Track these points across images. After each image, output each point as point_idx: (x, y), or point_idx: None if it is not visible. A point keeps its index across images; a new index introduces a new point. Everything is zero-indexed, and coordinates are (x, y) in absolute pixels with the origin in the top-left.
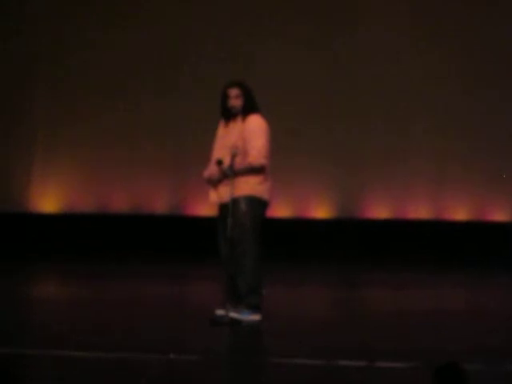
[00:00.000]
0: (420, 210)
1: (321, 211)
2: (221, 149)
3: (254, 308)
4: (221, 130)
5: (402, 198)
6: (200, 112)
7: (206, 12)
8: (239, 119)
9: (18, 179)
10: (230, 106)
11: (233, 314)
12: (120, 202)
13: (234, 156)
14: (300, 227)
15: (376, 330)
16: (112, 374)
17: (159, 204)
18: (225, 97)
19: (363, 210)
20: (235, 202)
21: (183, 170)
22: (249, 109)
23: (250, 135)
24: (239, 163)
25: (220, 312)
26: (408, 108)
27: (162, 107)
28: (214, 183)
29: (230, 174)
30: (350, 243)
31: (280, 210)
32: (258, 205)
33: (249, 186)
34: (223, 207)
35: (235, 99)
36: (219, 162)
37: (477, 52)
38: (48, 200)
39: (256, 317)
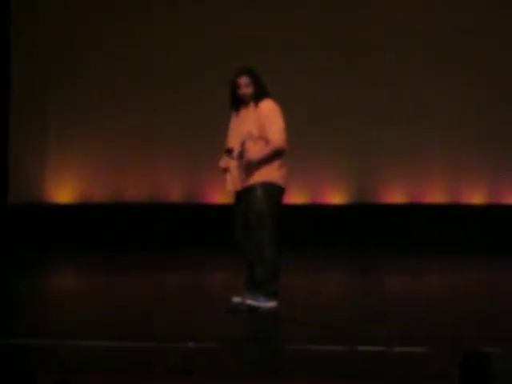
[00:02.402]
0: (436, 195)
1: (337, 197)
2: (235, 138)
3: (271, 295)
4: (233, 120)
5: (418, 183)
6: (215, 100)
7: (219, 12)
8: (251, 106)
9: (33, 170)
10: (241, 94)
11: (249, 301)
12: (135, 191)
13: (243, 144)
14: (316, 213)
15: (394, 315)
16: (131, 363)
17: (175, 192)
18: (234, 86)
19: (379, 195)
20: (251, 188)
21: (198, 158)
22: (260, 95)
23: (266, 120)
24: (259, 151)
25: (237, 299)
26: (423, 92)
27: (176, 97)
28: (230, 172)
29: (240, 161)
30: (367, 229)
31: (295, 196)
32: (274, 191)
33: (264, 173)
34: (239, 194)
35: (246, 87)
36: (228, 151)
37: (493, 39)
38: (63, 190)
39: (273, 303)
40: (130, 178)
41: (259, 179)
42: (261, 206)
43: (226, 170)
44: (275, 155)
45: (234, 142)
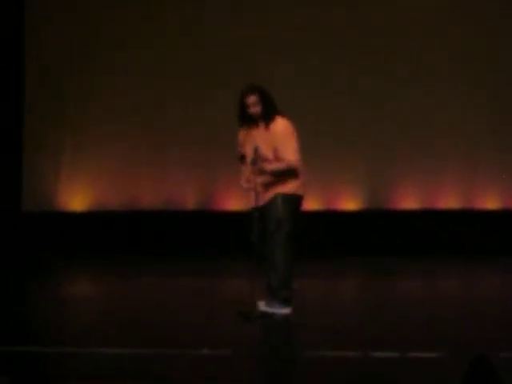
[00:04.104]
0: (450, 200)
1: (350, 203)
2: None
3: (286, 301)
4: (243, 138)
5: (431, 188)
6: (228, 107)
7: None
8: (262, 126)
9: (47, 177)
10: (249, 113)
11: (264, 308)
12: (149, 198)
13: (256, 150)
14: (329, 219)
15: (407, 321)
16: (146, 369)
17: (188, 199)
18: (243, 105)
19: (392, 201)
20: (272, 199)
21: (212, 164)
22: (269, 114)
23: (280, 143)
24: (275, 165)
25: (255, 305)
26: (436, 97)
27: (189, 103)
28: (253, 186)
29: (253, 167)
30: (380, 234)
31: (309, 203)
32: (294, 200)
33: (285, 184)
34: (260, 206)
35: (254, 106)
36: (241, 158)
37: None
38: (76, 198)
39: (287, 310)
40: (143, 185)
41: (280, 190)
42: (281, 214)
43: (249, 189)
44: (288, 171)
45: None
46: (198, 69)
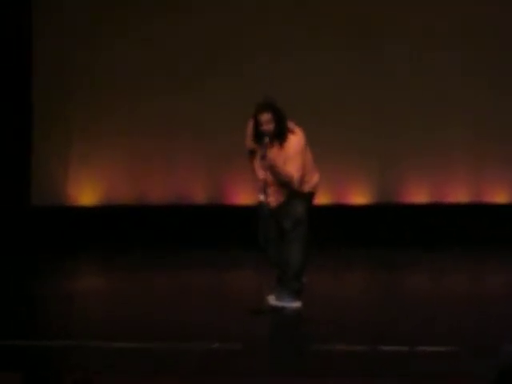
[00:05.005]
0: (459, 193)
1: (359, 197)
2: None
3: (296, 293)
4: (257, 151)
5: (440, 182)
6: (239, 101)
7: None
8: (275, 145)
9: (55, 172)
10: (262, 131)
11: (274, 302)
12: (158, 192)
13: (266, 144)
14: (339, 213)
15: (417, 314)
16: (157, 363)
17: (198, 194)
18: (256, 122)
19: (401, 194)
20: (290, 198)
21: (222, 159)
22: (282, 132)
23: (289, 159)
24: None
25: (265, 300)
26: (445, 91)
27: (200, 96)
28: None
29: (263, 162)
30: (389, 228)
31: (318, 197)
32: (309, 199)
33: (303, 184)
34: (273, 205)
35: (267, 124)
36: (251, 153)
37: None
38: (86, 193)
39: (297, 304)
40: (152, 179)
41: (298, 189)
42: (299, 214)
43: (264, 194)
44: (286, 182)
45: (261, 173)
46: (210, 62)
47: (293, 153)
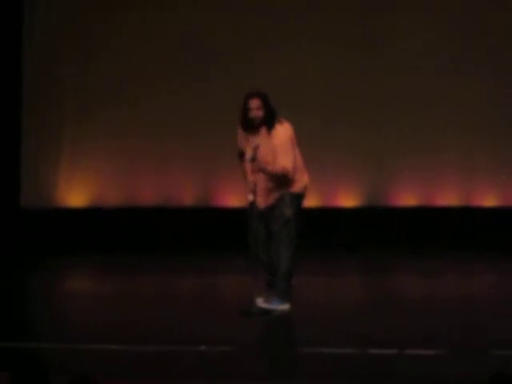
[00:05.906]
0: (450, 197)
1: (349, 199)
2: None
3: (284, 294)
4: (244, 141)
5: (431, 185)
6: (228, 103)
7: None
8: (263, 131)
9: (45, 174)
10: (251, 117)
11: (262, 305)
12: (147, 194)
13: (256, 149)
14: (328, 216)
15: (405, 317)
16: (145, 366)
17: (187, 196)
18: (245, 108)
19: (392, 197)
20: (280, 198)
21: (211, 161)
22: (271, 119)
23: (280, 150)
24: (273, 168)
25: (254, 302)
26: (435, 92)
27: (189, 99)
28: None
29: (253, 164)
30: (379, 231)
31: (307, 199)
32: (299, 199)
33: (293, 184)
34: (262, 206)
35: (256, 110)
36: (240, 155)
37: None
38: (75, 194)
39: (286, 306)
40: (142, 181)
41: (288, 189)
42: (289, 214)
43: (253, 194)
44: (282, 176)
45: (249, 164)
46: (199, 63)
47: (280, 142)
